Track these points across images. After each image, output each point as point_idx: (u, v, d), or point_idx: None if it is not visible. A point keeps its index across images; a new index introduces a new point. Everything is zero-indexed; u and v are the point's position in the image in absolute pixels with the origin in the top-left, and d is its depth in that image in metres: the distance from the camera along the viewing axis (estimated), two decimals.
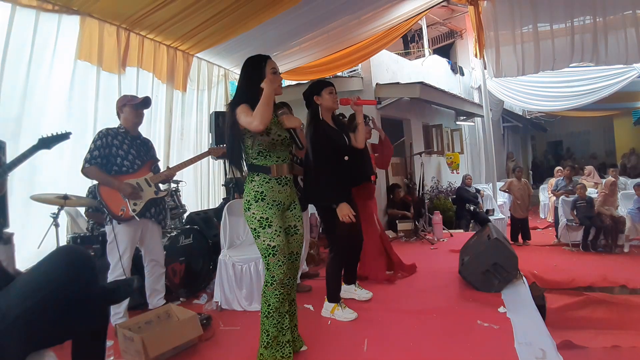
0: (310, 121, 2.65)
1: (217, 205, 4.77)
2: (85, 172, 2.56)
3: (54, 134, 2.38)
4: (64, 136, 2.42)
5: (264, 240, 1.96)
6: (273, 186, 2.01)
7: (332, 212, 2.55)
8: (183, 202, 3.98)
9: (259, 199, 1.98)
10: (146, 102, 2.76)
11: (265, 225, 1.96)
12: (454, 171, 8.46)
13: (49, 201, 2.71)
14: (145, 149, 2.80)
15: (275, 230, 1.96)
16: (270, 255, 1.95)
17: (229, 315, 2.87)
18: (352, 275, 3.05)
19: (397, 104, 6.52)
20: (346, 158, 2.65)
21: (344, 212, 2.49)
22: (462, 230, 6.22)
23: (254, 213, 1.98)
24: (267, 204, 1.98)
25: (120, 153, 2.63)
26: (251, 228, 2.00)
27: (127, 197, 2.59)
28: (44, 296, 1.28)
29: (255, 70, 1.99)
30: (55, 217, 2.72)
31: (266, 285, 1.99)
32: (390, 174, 6.81)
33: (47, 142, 2.36)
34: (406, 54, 10.12)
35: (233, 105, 1.95)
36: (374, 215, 3.52)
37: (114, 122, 2.78)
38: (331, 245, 2.77)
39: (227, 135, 1.99)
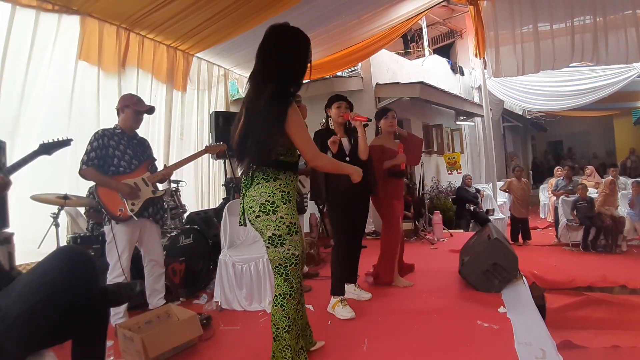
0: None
1: (217, 205, 4.77)
2: (82, 173, 2.56)
3: (55, 140, 2.38)
4: (65, 142, 2.42)
5: (288, 249, 1.74)
6: (295, 187, 1.83)
7: (332, 206, 2.79)
8: (183, 202, 3.98)
9: (286, 200, 1.75)
10: (150, 110, 2.78)
11: (294, 232, 1.75)
12: (455, 171, 8.30)
13: (49, 201, 2.71)
14: (142, 148, 2.80)
15: (300, 237, 1.80)
16: (293, 265, 1.77)
17: (229, 315, 2.86)
18: (351, 273, 3.06)
19: (397, 104, 6.51)
20: (347, 159, 2.78)
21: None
22: (462, 230, 6.22)
23: (282, 217, 1.73)
24: (293, 206, 1.79)
25: (117, 154, 2.62)
26: (273, 234, 1.74)
27: (125, 197, 2.59)
28: (44, 296, 1.28)
29: (303, 56, 1.76)
30: (55, 217, 2.72)
31: (284, 298, 1.79)
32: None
33: (48, 148, 2.35)
34: (406, 54, 10.13)
35: (282, 97, 1.71)
36: (398, 215, 3.37)
37: (114, 122, 2.78)
38: (333, 237, 2.98)
39: (264, 125, 1.69)
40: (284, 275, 1.79)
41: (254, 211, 1.76)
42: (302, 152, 1.77)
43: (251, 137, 1.72)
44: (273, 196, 1.74)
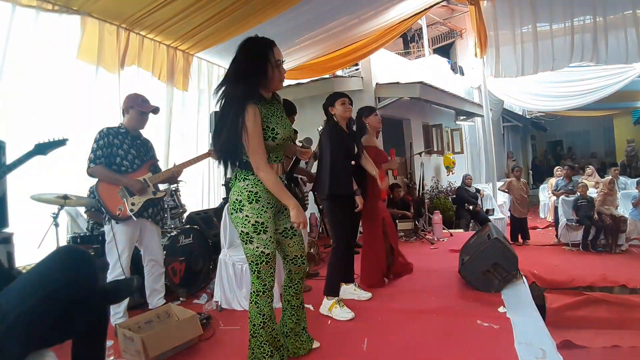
0: (327, 122, 2.88)
1: (217, 205, 4.77)
2: (91, 172, 2.56)
3: (51, 139, 2.37)
4: (61, 142, 2.42)
5: (257, 247, 1.82)
6: (266, 188, 1.86)
7: (339, 204, 2.75)
8: (183, 202, 3.98)
9: (253, 200, 1.83)
10: (155, 111, 2.79)
11: (261, 230, 1.82)
12: (450, 172, 8.35)
13: (49, 201, 2.71)
14: (145, 149, 2.80)
15: (270, 237, 1.85)
16: (264, 263, 1.83)
17: (229, 315, 2.87)
18: (349, 273, 3.06)
19: (397, 104, 6.52)
20: (353, 163, 2.82)
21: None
22: (462, 230, 6.22)
23: (247, 216, 1.81)
24: (262, 206, 1.84)
25: (120, 152, 2.62)
26: (242, 232, 1.84)
27: (137, 193, 2.60)
28: (44, 296, 1.28)
29: (259, 60, 1.77)
30: (55, 217, 2.72)
31: (258, 295, 1.87)
32: (390, 174, 6.81)
33: (43, 148, 2.34)
34: (406, 54, 10.13)
35: (240, 100, 1.76)
36: (379, 216, 3.39)
37: (114, 121, 2.78)
38: (334, 237, 2.89)
39: (229, 130, 1.77)
40: (256, 272, 1.86)
41: (230, 209, 1.88)
42: (249, 157, 1.80)
43: (217, 138, 1.84)
44: (240, 195, 1.84)
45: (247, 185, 1.84)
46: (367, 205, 3.19)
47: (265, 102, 1.86)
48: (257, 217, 1.82)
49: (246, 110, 1.74)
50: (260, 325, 1.88)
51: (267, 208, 1.86)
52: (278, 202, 1.91)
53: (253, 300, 1.89)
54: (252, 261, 1.86)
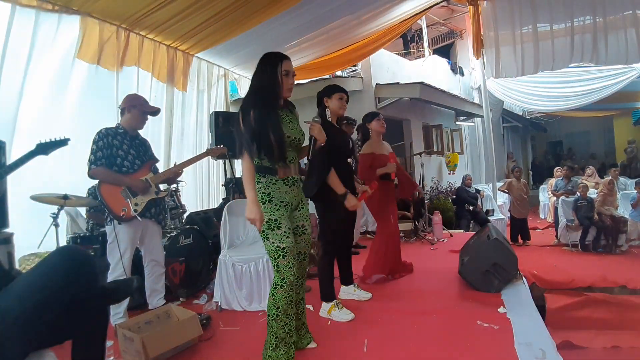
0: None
1: (217, 205, 4.77)
2: (92, 173, 2.54)
3: (52, 139, 2.37)
4: (62, 142, 2.41)
5: (273, 242, 1.93)
6: (280, 187, 1.99)
7: (326, 207, 2.66)
8: (183, 202, 3.98)
9: (266, 200, 1.96)
10: (155, 113, 2.79)
11: (274, 226, 1.94)
12: (451, 172, 8.46)
13: (49, 201, 2.71)
14: (144, 149, 2.79)
15: (285, 232, 1.94)
16: (281, 257, 1.93)
17: (229, 315, 2.86)
18: (347, 275, 3.05)
19: (397, 104, 6.52)
20: (349, 160, 2.77)
21: (352, 202, 2.50)
22: (462, 231, 6.22)
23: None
24: (275, 205, 1.96)
25: (120, 153, 2.62)
26: (260, 230, 1.96)
27: (140, 193, 2.60)
28: (44, 296, 1.28)
29: (268, 70, 1.97)
30: (55, 217, 2.72)
31: (275, 288, 1.96)
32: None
33: (44, 148, 2.34)
34: (406, 54, 10.13)
35: (244, 109, 1.94)
36: (390, 213, 3.45)
37: (113, 121, 2.78)
38: (322, 242, 2.82)
39: (240, 135, 1.94)
40: (275, 266, 1.97)
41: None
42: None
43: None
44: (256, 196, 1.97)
45: (260, 187, 1.98)
46: (380, 203, 3.30)
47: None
48: (271, 214, 1.95)
49: (242, 117, 1.95)
50: (272, 317, 1.97)
51: (279, 206, 1.98)
52: (294, 200, 2.05)
53: (271, 292, 1.99)
54: (271, 256, 1.97)
